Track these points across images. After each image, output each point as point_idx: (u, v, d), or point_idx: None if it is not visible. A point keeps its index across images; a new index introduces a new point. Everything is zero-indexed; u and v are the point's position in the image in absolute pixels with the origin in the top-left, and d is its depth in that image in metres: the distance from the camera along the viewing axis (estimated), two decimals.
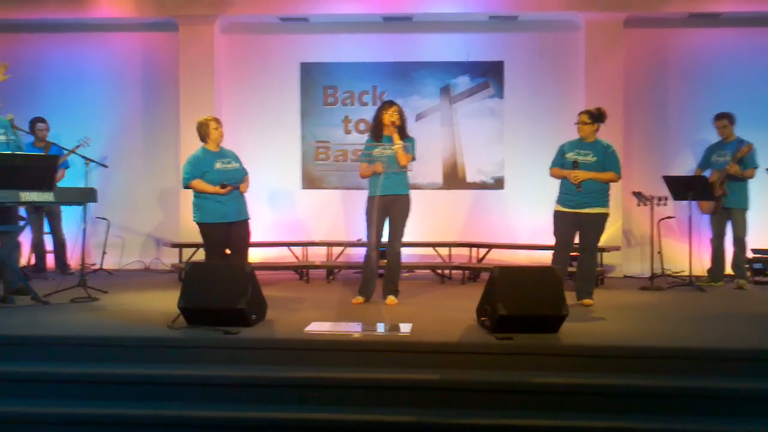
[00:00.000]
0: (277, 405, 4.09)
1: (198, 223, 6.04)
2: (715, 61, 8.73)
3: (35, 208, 7.57)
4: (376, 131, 6.18)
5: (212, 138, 6.09)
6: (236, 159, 6.20)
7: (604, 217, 6.07)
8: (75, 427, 4.03)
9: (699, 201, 7.49)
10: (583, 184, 5.96)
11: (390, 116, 6.05)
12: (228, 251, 6.11)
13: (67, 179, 8.09)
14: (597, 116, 6.09)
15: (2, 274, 6.00)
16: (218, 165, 6.01)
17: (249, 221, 6.17)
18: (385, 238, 6.19)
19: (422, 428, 3.95)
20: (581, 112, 6.17)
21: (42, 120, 8.11)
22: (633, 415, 3.96)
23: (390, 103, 6.16)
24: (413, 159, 6.12)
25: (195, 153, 6.10)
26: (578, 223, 6.03)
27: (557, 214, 6.13)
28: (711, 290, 7.19)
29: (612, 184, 6.12)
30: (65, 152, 7.79)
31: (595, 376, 4.22)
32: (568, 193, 6.06)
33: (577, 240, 6.14)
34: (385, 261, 6.25)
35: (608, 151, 6.08)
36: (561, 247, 6.10)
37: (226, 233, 6.00)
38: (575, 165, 6.02)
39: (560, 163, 6.20)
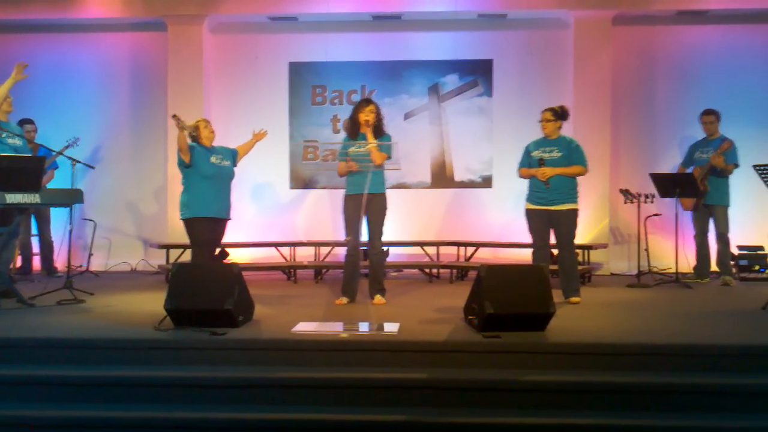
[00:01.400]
0: (264, 405, 4.07)
1: (186, 220, 6.04)
2: (702, 58, 8.78)
3: (21, 210, 7.49)
4: (352, 129, 6.18)
5: (204, 136, 6.19)
6: (228, 157, 6.28)
7: (575, 212, 6.11)
8: (61, 429, 3.99)
9: (681, 198, 7.52)
10: (551, 180, 5.99)
11: (365, 115, 6.00)
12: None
13: (54, 180, 8.05)
14: (560, 114, 6.17)
15: None
16: (213, 159, 6.12)
17: (228, 222, 6.25)
18: (363, 237, 6.16)
19: (410, 427, 3.93)
20: (545, 110, 6.21)
21: (30, 121, 8.05)
22: (621, 412, 3.96)
23: (366, 102, 6.13)
24: (389, 158, 6.06)
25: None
26: (550, 221, 6.08)
27: (529, 212, 6.17)
28: (698, 287, 7.23)
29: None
30: (53, 153, 7.74)
31: (582, 373, 4.22)
32: (537, 191, 6.11)
33: (553, 239, 6.17)
34: (368, 261, 6.23)
35: (572, 145, 6.14)
36: (538, 244, 6.15)
37: (212, 230, 6.05)
38: (541, 162, 6.05)
39: (527, 163, 6.25)
